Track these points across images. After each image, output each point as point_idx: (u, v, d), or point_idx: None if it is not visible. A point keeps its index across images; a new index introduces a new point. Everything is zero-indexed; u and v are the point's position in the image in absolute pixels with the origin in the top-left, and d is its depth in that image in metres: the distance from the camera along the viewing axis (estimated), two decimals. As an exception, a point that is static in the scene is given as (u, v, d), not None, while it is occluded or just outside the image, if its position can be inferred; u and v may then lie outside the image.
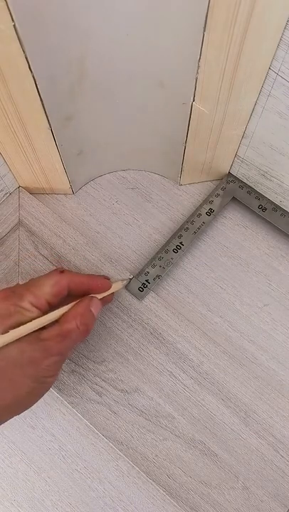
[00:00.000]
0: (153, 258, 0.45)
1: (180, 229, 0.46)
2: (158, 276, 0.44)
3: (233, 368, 0.42)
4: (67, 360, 0.41)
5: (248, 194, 0.48)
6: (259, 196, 0.48)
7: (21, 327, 0.31)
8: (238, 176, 0.48)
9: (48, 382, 0.33)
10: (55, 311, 0.33)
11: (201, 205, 0.47)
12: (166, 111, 0.40)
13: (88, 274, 0.38)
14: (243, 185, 0.48)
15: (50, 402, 0.43)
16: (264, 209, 0.47)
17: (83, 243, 0.45)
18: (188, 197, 0.50)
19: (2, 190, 0.46)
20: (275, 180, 0.45)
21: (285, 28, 0.30)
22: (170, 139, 0.44)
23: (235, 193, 0.48)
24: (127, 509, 0.40)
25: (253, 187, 0.48)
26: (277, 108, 0.37)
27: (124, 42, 0.33)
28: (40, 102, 0.34)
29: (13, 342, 0.30)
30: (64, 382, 0.41)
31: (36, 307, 0.32)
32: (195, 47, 0.32)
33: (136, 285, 0.44)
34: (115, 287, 0.39)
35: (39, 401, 0.42)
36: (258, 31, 0.30)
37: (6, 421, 0.32)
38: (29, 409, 0.42)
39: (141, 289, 0.43)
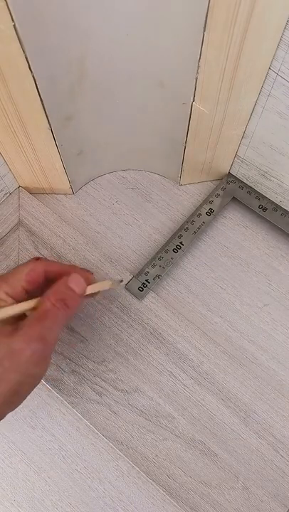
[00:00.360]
0: (153, 258, 0.45)
1: (180, 229, 0.46)
2: (158, 276, 0.44)
3: (233, 368, 0.42)
4: (67, 360, 0.41)
5: (248, 194, 0.48)
6: (259, 196, 0.48)
7: None
8: (238, 176, 0.48)
9: (37, 374, 0.30)
10: (28, 301, 0.31)
11: (201, 205, 0.47)
12: (166, 111, 0.40)
13: (68, 264, 0.36)
14: (243, 185, 0.48)
15: (50, 402, 0.43)
16: (264, 209, 0.47)
17: (83, 243, 0.45)
18: (188, 197, 0.50)
19: (2, 190, 0.46)
20: (275, 180, 0.45)
21: (285, 28, 0.30)
22: (170, 139, 0.44)
23: (235, 193, 0.48)
24: (127, 509, 0.40)
25: (253, 187, 0.48)
26: (277, 108, 0.37)
27: (124, 42, 0.33)
28: (40, 102, 0.34)
29: None
30: (64, 382, 0.41)
31: (12, 297, 0.31)
32: (195, 47, 0.32)
33: (136, 285, 0.44)
34: (101, 286, 0.35)
35: (39, 401, 0.42)
36: (258, 31, 0.30)
37: None
38: (29, 409, 0.42)
39: (141, 289, 0.43)
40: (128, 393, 0.41)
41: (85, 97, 0.38)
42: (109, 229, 0.48)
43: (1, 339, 0.28)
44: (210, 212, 0.47)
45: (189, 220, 0.47)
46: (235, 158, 0.46)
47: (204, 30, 0.31)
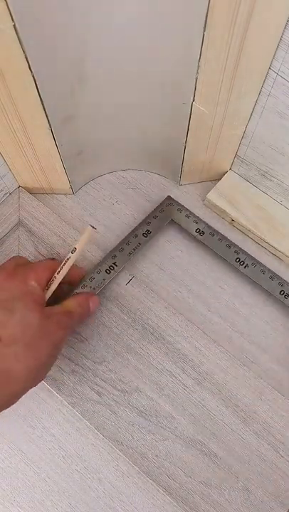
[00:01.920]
0: (83, 279, 0.42)
1: (115, 249, 0.44)
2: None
3: (233, 368, 0.42)
4: (66, 360, 0.41)
5: (186, 217, 0.46)
6: (197, 220, 0.46)
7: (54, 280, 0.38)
8: (239, 173, 0.48)
9: (56, 354, 0.36)
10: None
11: (138, 227, 0.45)
12: (166, 111, 0.40)
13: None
14: (181, 208, 0.47)
15: (50, 402, 0.43)
16: (202, 233, 0.46)
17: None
18: (188, 197, 0.50)
19: (2, 190, 0.46)
20: (275, 180, 0.45)
21: (285, 27, 0.30)
22: (170, 139, 0.44)
23: (172, 215, 0.47)
24: (127, 509, 0.40)
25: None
26: (277, 108, 0.37)
27: (124, 42, 0.33)
28: (40, 102, 0.34)
29: (35, 315, 0.34)
30: (64, 382, 0.41)
31: (39, 285, 0.36)
32: (195, 47, 0.32)
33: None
34: (85, 238, 0.38)
35: (39, 401, 0.42)
36: (258, 31, 0.30)
37: (24, 392, 0.34)
38: (29, 409, 0.42)
39: None
40: (128, 393, 0.41)
41: (85, 97, 0.38)
42: (109, 229, 0.48)
43: (43, 321, 0.34)
44: (147, 233, 0.45)
45: (125, 240, 0.45)
46: (235, 158, 0.46)
47: (204, 30, 0.31)
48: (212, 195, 0.47)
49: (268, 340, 0.44)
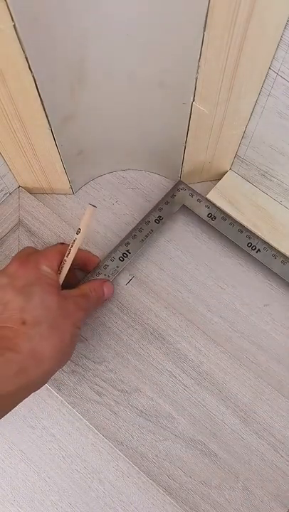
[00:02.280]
0: (97, 267, 0.43)
1: (128, 236, 0.45)
2: None
3: (233, 368, 0.42)
4: (67, 360, 0.41)
5: (197, 202, 0.47)
6: (209, 205, 0.47)
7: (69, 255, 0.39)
8: (239, 173, 0.48)
9: (77, 335, 0.37)
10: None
11: (150, 213, 0.46)
12: (166, 111, 0.40)
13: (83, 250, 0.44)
14: (193, 192, 0.47)
15: (50, 402, 0.43)
16: (213, 217, 0.46)
17: (83, 243, 0.45)
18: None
19: (2, 190, 0.46)
20: (275, 180, 0.45)
21: (285, 27, 0.30)
22: (170, 139, 0.44)
23: (184, 200, 0.47)
24: (127, 509, 0.40)
25: (254, 184, 0.48)
26: (277, 108, 0.37)
27: (124, 42, 0.33)
28: (40, 102, 0.34)
29: (53, 297, 0.35)
30: (64, 382, 0.41)
31: (51, 269, 0.37)
32: (195, 47, 0.32)
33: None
34: (88, 215, 0.39)
35: (39, 401, 0.42)
36: (258, 31, 0.30)
37: (54, 372, 0.35)
38: (29, 409, 0.42)
39: None
40: (128, 393, 0.41)
41: (85, 97, 0.38)
42: (109, 229, 0.48)
43: (62, 301, 0.36)
44: (159, 219, 0.46)
45: (137, 227, 0.45)
46: (235, 158, 0.46)
47: (204, 30, 0.31)
48: (212, 195, 0.47)
49: (268, 340, 0.44)
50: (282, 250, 0.45)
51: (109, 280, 0.43)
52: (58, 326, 0.35)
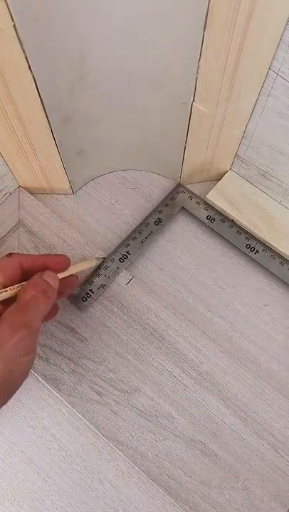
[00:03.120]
0: (98, 268, 0.44)
1: (127, 238, 0.45)
2: (102, 286, 0.43)
3: (233, 368, 0.42)
4: (67, 360, 0.41)
5: (196, 204, 0.47)
6: (208, 207, 0.47)
7: None
8: (239, 174, 0.48)
9: (24, 362, 0.30)
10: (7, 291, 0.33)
11: (149, 215, 0.47)
12: (166, 111, 0.40)
13: (43, 254, 0.38)
14: (192, 195, 0.47)
15: (50, 402, 0.43)
16: (212, 220, 0.46)
17: (83, 243, 0.45)
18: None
19: (2, 190, 0.46)
20: (275, 180, 0.45)
21: (285, 27, 0.30)
22: (170, 139, 0.44)
23: (184, 203, 0.47)
24: (127, 509, 0.40)
25: (255, 185, 0.48)
26: (277, 108, 0.37)
27: (124, 42, 0.33)
28: (40, 102, 0.34)
29: None
30: (64, 382, 0.41)
31: None
32: (195, 47, 0.32)
33: (79, 294, 0.43)
34: (87, 264, 0.38)
35: (39, 401, 0.42)
36: (258, 31, 0.30)
37: None
38: (29, 409, 0.42)
39: (84, 299, 0.43)
40: (128, 393, 0.41)
41: (85, 97, 0.38)
42: (109, 229, 0.48)
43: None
44: (158, 221, 0.46)
45: (137, 229, 0.46)
46: (235, 158, 0.46)
47: (204, 30, 0.31)
48: (212, 195, 0.47)
49: (268, 340, 0.44)
50: (282, 250, 0.45)
51: (49, 270, 0.35)
52: None
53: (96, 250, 0.44)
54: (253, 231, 0.46)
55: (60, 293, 0.35)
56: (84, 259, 0.43)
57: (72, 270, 0.37)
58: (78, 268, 0.37)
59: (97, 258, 0.41)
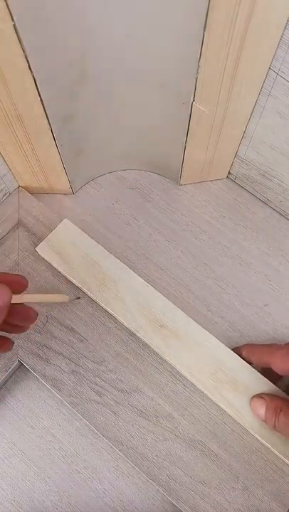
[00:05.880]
0: None
1: None
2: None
3: (233, 368, 0.42)
4: (66, 360, 0.41)
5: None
6: None
7: None
8: (238, 175, 0.48)
9: None
10: None
11: None
12: (166, 111, 0.40)
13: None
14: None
15: (50, 402, 0.43)
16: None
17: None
18: (188, 197, 0.50)
19: (2, 190, 0.46)
20: (275, 180, 0.45)
21: (285, 27, 0.30)
22: (170, 139, 0.44)
23: None
24: (127, 509, 0.40)
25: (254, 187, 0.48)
26: (277, 108, 0.37)
27: (124, 42, 0.33)
28: (40, 102, 0.34)
29: None
30: (64, 382, 0.41)
31: None
32: (195, 47, 0.32)
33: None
34: (52, 298, 0.35)
35: (39, 401, 0.42)
36: (258, 31, 0.30)
37: None
38: (29, 409, 0.42)
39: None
40: (128, 393, 0.41)
41: (85, 97, 0.38)
42: (109, 229, 0.48)
43: None
44: None
45: None
46: (236, 158, 0.46)
47: (204, 30, 0.31)
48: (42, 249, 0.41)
49: (267, 341, 0.44)
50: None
51: (2, 283, 0.30)
52: None
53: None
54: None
55: (13, 325, 0.33)
56: (57, 292, 0.38)
57: (30, 299, 0.32)
58: (40, 299, 0.33)
59: (71, 298, 0.37)
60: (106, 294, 0.41)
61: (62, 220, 0.44)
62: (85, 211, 0.49)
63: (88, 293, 0.42)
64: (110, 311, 0.41)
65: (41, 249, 0.43)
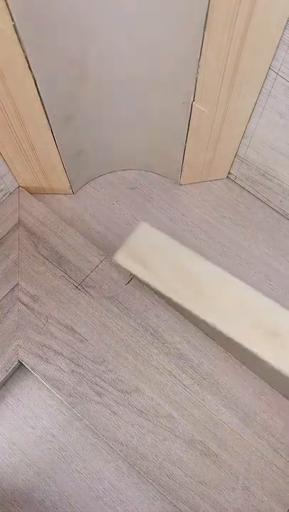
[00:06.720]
0: None
1: None
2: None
3: (233, 369, 0.42)
4: (66, 360, 0.41)
5: None
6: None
7: None
8: (238, 175, 0.48)
9: None
10: None
11: None
12: (166, 111, 0.40)
13: None
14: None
15: (50, 402, 0.43)
16: None
17: (83, 243, 0.45)
18: (188, 197, 0.50)
19: (2, 190, 0.46)
20: (275, 180, 0.45)
21: (285, 28, 0.30)
22: (170, 139, 0.44)
23: None
24: (127, 509, 0.40)
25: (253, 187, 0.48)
26: (277, 108, 0.37)
27: (125, 42, 0.33)
28: (40, 102, 0.34)
29: None
30: (64, 382, 0.41)
31: None
32: (195, 47, 0.32)
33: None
34: None
35: (39, 401, 0.42)
36: (258, 31, 0.30)
37: None
38: (29, 409, 0.42)
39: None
40: (128, 393, 0.41)
41: (85, 97, 0.38)
42: (109, 229, 0.48)
43: None
44: None
45: None
46: (236, 158, 0.46)
47: (204, 30, 0.31)
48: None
49: (268, 340, 0.44)
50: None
51: None
52: None
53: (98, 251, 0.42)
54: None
55: None
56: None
57: None
58: None
59: None
60: (203, 302, 0.36)
61: (139, 224, 0.39)
62: (85, 211, 0.49)
63: (179, 302, 0.37)
64: (209, 321, 0.36)
65: (119, 257, 0.38)
